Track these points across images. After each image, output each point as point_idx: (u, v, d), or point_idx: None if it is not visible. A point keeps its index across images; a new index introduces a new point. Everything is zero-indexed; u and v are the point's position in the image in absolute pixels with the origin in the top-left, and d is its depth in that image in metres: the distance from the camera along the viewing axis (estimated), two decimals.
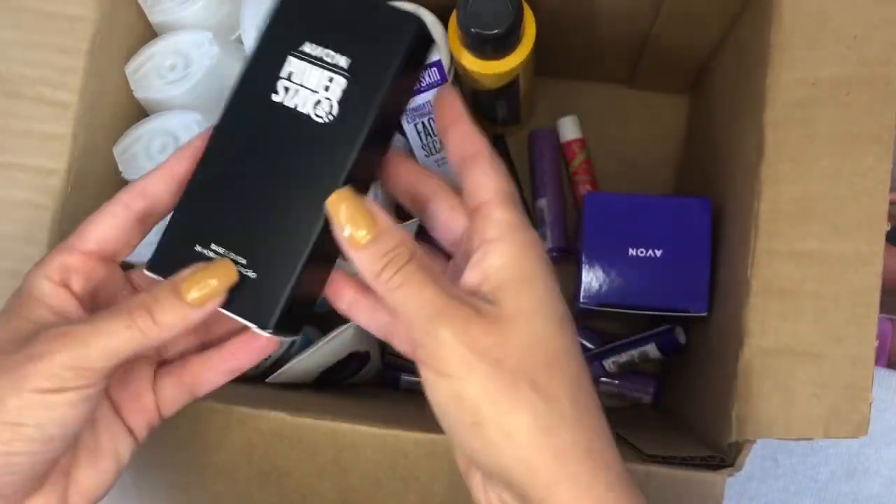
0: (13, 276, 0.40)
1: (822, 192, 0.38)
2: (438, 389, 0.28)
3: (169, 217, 0.32)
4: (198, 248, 0.31)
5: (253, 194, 0.30)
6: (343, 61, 0.30)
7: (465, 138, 0.31)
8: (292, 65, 0.31)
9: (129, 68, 0.44)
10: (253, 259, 0.30)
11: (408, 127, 0.49)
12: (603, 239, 0.46)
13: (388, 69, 0.30)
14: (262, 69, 0.31)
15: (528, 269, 0.29)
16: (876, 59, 0.38)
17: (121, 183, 0.44)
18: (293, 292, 0.30)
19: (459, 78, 0.52)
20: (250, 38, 0.43)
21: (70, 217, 0.41)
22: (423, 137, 0.49)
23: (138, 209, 0.31)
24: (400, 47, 0.30)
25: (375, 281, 0.28)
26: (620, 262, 0.46)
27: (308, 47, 0.31)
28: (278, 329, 0.30)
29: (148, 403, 0.33)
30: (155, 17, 0.45)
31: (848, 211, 0.37)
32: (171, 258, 0.31)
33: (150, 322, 0.28)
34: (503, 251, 0.29)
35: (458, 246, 0.33)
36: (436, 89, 0.48)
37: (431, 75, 0.47)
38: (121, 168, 0.44)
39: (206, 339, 0.35)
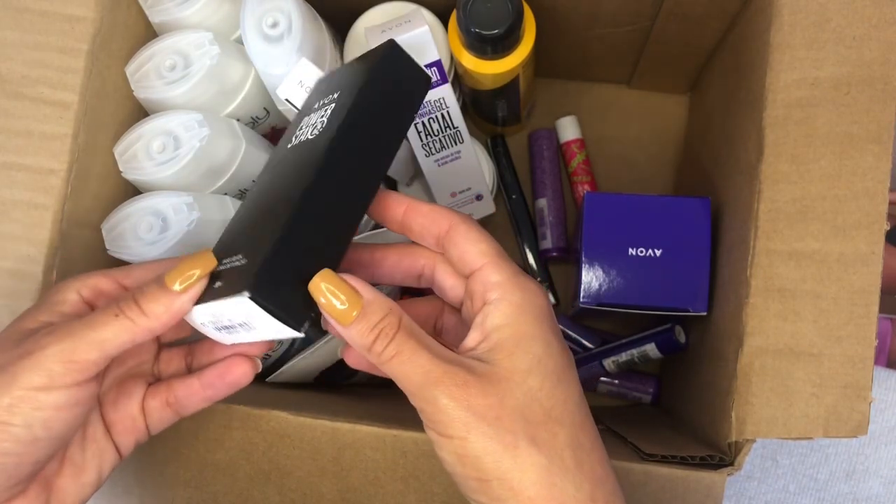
0: (13, 276, 0.40)
1: (821, 191, 0.38)
2: (443, 448, 0.29)
3: None
4: (220, 268, 0.31)
5: (252, 210, 0.33)
6: (334, 95, 0.34)
7: (429, 219, 0.32)
8: (304, 121, 0.35)
9: (129, 68, 0.44)
10: (246, 252, 0.30)
11: None
12: (603, 239, 0.46)
13: (360, 81, 0.32)
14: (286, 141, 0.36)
15: (524, 329, 0.30)
16: (875, 59, 0.38)
17: (121, 183, 0.44)
18: (277, 255, 0.28)
19: (459, 78, 0.52)
20: (250, 37, 0.43)
21: (70, 217, 0.41)
22: (423, 137, 0.49)
23: None
24: (371, 62, 0.32)
25: (369, 354, 0.29)
26: (620, 262, 0.46)
27: (317, 104, 0.35)
28: (265, 298, 0.28)
29: (139, 423, 0.34)
30: (155, 17, 0.45)
31: (847, 211, 0.37)
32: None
33: (138, 311, 0.28)
34: (501, 311, 0.30)
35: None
36: (436, 89, 0.48)
37: (431, 75, 0.47)
38: (121, 168, 0.44)
39: (192, 365, 0.36)
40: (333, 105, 0.33)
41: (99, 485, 0.33)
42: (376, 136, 0.32)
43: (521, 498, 0.28)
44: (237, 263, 0.30)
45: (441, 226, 0.31)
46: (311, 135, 0.33)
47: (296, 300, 0.29)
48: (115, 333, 0.28)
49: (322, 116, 0.33)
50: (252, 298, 0.28)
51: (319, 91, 0.37)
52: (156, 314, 0.29)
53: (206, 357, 0.35)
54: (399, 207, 0.32)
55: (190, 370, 0.36)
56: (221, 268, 0.31)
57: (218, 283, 0.30)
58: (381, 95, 0.32)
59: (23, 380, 0.27)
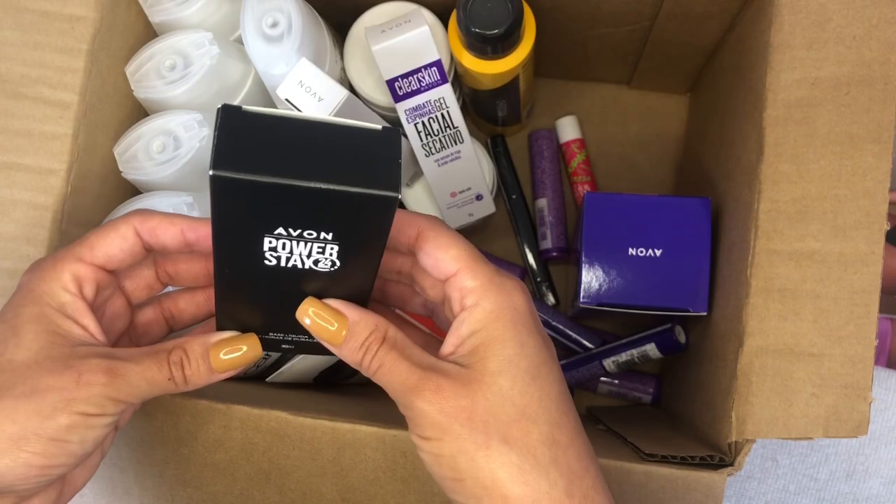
0: (13, 276, 0.40)
1: (821, 191, 0.38)
2: (422, 450, 0.30)
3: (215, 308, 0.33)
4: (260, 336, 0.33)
5: (286, 306, 0.32)
6: (328, 235, 0.28)
7: (396, 230, 0.32)
8: (271, 242, 0.28)
9: (129, 68, 0.44)
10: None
11: (408, 127, 0.49)
12: (603, 239, 0.46)
13: (379, 240, 0.28)
14: (236, 248, 0.28)
15: (496, 333, 0.30)
16: (875, 59, 0.38)
17: (121, 183, 0.44)
18: None
19: (459, 78, 0.52)
20: (250, 38, 0.43)
21: (70, 217, 0.41)
22: (423, 137, 0.49)
23: (146, 241, 0.33)
24: (384, 224, 0.27)
25: (360, 369, 0.31)
26: (620, 262, 0.46)
27: (282, 230, 0.27)
28: None
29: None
30: (155, 17, 0.45)
31: (847, 211, 0.37)
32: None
33: (183, 379, 0.32)
34: (475, 317, 0.30)
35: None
36: (436, 89, 0.48)
37: (431, 75, 0.47)
38: (121, 168, 0.44)
39: (172, 322, 0.37)
40: (339, 246, 0.28)
41: (101, 459, 0.34)
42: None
43: (494, 496, 0.29)
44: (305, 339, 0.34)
45: (409, 234, 0.32)
46: (322, 267, 0.29)
47: None
48: (161, 390, 0.32)
49: (322, 250, 0.29)
50: None
51: (264, 209, 0.26)
52: (195, 385, 0.32)
53: (184, 311, 0.36)
54: None
55: (168, 324, 0.36)
56: (282, 342, 0.34)
57: (287, 349, 0.35)
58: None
59: (80, 407, 0.30)
